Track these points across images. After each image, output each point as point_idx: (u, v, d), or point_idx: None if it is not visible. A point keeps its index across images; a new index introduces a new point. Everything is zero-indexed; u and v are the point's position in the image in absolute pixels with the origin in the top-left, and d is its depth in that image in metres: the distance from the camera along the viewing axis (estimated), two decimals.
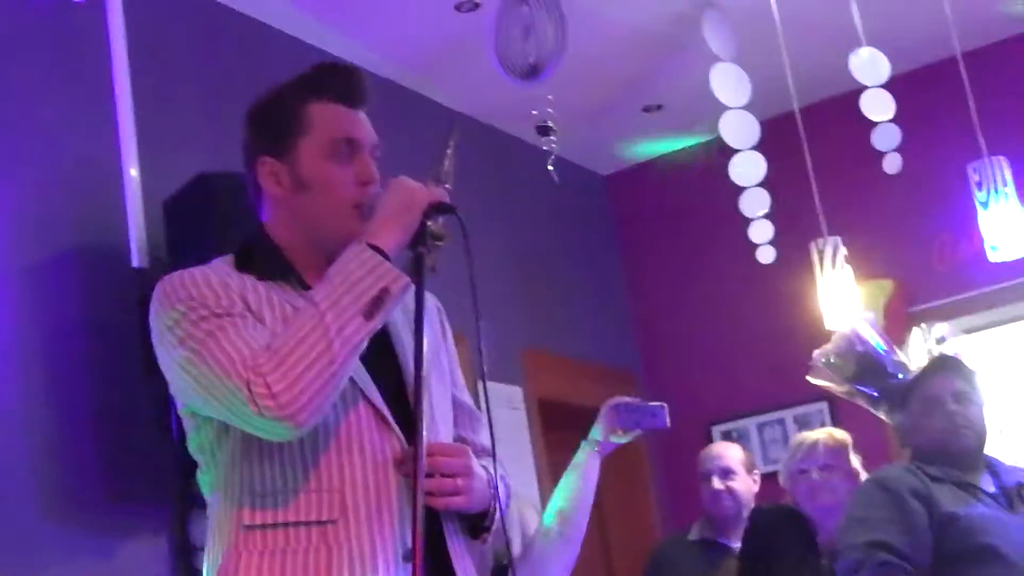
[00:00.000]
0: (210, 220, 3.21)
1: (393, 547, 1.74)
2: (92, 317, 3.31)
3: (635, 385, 5.69)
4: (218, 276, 1.82)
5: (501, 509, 1.89)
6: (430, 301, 2.00)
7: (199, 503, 3.21)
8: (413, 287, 1.79)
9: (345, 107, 1.91)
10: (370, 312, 1.71)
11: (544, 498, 4.82)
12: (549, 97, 3.78)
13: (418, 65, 4.66)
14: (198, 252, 2.02)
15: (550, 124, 3.90)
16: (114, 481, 3.25)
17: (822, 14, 4.53)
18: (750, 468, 4.13)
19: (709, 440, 5.43)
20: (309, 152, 1.87)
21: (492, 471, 1.90)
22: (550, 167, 3.92)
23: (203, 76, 3.88)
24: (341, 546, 1.72)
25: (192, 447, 1.90)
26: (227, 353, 1.70)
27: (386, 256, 1.75)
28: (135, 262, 3.44)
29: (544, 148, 3.94)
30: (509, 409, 4.78)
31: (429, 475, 1.74)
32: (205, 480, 1.90)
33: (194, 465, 1.93)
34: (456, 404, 2.00)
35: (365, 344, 1.73)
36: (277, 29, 4.12)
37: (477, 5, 4.29)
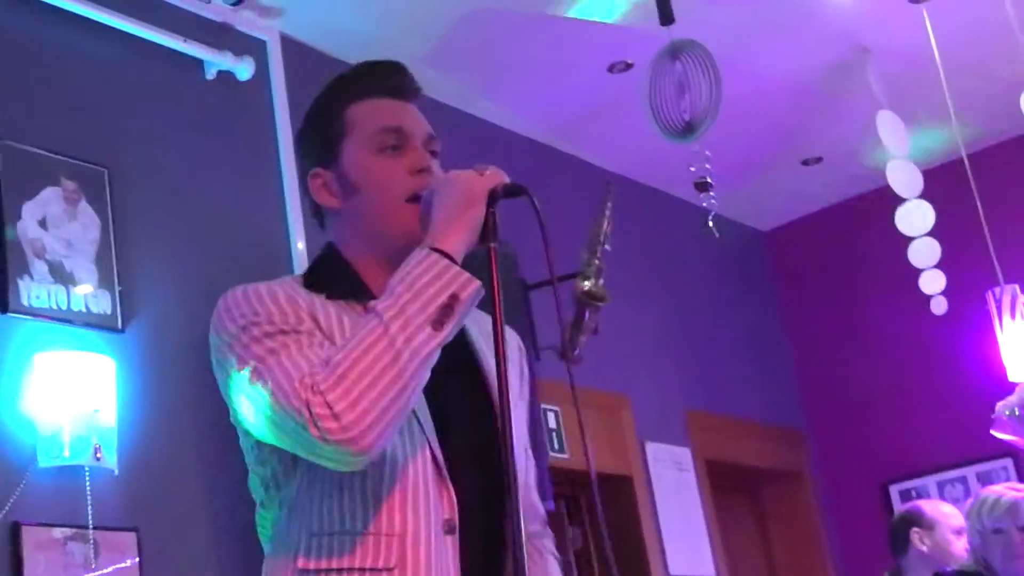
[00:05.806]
0: None
1: None
2: None
3: (803, 445, 5.54)
4: (286, 292, 1.68)
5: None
6: (511, 338, 1.84)
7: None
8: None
9: (391, 100, 1.79)
10: (439, 321, 1.54)
11: (717, 560, 4.71)
12: (707, 153, 3.74)
13: (573, 127, 4.68)
14: None
15: (708, 180, 3.85)
16: None
17: (987, 56, 4.40)
18: None
19: (887, 500, 5.28)
20: (354, 151, 1.75)
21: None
22: (710, 223, 3.86)
23: None
24: None
25: (253, 483, 1.75)
26: (287, 372, 1.55)
27: (452, 259, 1.58)
28: None
29: (703, 204, 3.89)
30: (677, 471, 4.69)
31: None
32: (264, 519, 1.75)
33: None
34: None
35: (436, 357, 1.57)
36: (430, 98, 4.18)
37: (630, 65, 4.29)
